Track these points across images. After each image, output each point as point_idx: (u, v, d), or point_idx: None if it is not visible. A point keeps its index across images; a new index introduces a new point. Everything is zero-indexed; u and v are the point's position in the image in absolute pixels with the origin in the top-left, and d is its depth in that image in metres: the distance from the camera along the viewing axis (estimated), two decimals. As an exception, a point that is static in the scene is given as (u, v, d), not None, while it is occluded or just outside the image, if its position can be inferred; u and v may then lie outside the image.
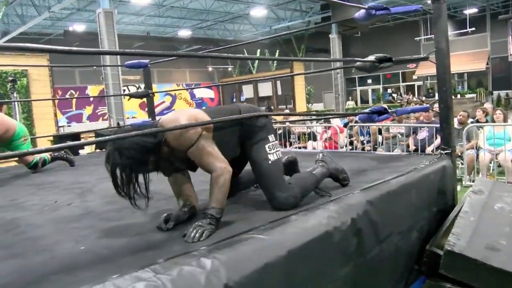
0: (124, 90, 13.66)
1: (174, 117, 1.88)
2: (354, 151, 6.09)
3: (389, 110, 2.67)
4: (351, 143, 7.06)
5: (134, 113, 18.95)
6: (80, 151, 7.36)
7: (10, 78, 8.88)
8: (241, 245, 1.49)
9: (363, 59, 2.81)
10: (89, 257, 1.55)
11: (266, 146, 2.02)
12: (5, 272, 1.46)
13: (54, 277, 1.37)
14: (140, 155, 1.74)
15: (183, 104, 23.59)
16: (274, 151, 2.03)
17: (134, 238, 1.75)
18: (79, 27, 16.57)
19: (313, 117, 7.87)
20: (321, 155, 2.39)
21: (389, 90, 23.25)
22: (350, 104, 21.91)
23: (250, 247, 1.49)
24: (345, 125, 7.75)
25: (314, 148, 6.79)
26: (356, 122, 7.17)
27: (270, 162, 1.99)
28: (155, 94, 5.46)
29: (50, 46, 1.41)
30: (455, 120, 5.85)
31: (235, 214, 1.96)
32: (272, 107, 20.14)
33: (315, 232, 1.67)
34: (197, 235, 1.63)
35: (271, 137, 2.06)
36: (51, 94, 10.35)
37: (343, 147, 6.85)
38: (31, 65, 8.90)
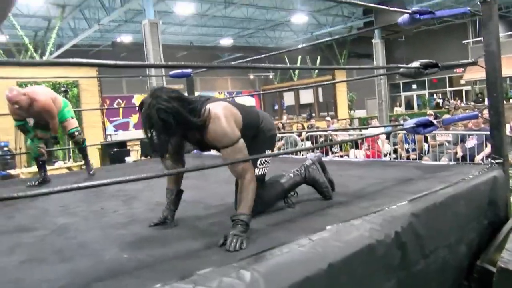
0: (168, 99, 14.01)
1: (219, 115, 1.88)
2: (398, 160, 5.92)
3: (435, 120, 2.57)
4: (395, 151, 6.86)
5: (177, 120, 19.43)
6: (126, 158, 7.61)
7: (63, 89, 9.36)
8: (281, 257, 1.47)
9: (407, 66, 2.74)
10: (133, 264, 1.59)
11: (258, 161, 2.11)
12: (57, 276, 1.53)
13: (101, 283, 1.42)
14: (170, 124, 1.76)
15: (225, 112, 23.87)
16: (262, 167, 2.13)
17: (175, 246, 1.78)
18: (126, 38, 17.24)
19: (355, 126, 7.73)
20: (309, 161, 2.37)
21: (435, 96, 22.46)
22: (398, 110, 21.32)
23: (290, 259, 1.47)
24: (389, 133, 7.56)
25: (356, 157, 6.65)
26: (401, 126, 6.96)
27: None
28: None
29: (99, 61, 1.48)
30: (507, 127, 5.55)
31: (274, 224, 1.95)
32: (314, 114, 19.99)
33: (357, 245, 1.63)
34: (237, 244, 1.66)
35: (267, 152, 2.18)
36: (99, 103, 10.82)
37: (386, 155, 6.67)
38: (82, 77, 9.37)
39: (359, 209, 2.04)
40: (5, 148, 9.06)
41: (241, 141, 1.91)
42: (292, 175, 2.32)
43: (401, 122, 9.17)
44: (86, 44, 18.43)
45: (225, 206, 2.44)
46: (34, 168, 8.02)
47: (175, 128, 1.79)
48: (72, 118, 3.96)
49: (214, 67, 2.06)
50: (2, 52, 13.94)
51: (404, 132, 6.60)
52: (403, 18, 2.93)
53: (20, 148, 9.27)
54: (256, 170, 2.07)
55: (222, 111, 1.92)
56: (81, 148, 4.12)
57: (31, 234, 2.17)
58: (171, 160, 2.14)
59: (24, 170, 8.11)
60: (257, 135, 2.15)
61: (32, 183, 3.75)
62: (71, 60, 1.52)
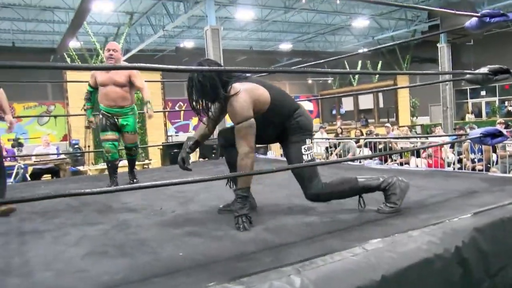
0: (226, 102, 14.30)
1: (238, 95, 2.16)
2: (463, 170, 5.59)
3: (506, 130, 2.40)
4: (459, 160, 6.49)
5: (235, 124, 19.75)
6: (185, 159, 7.85)
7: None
8: (333, 265, 1.45)
9: (474, 72, 2.59)
10: (188, 262, 1.64)
11: (302, 148, 2.34)
12: (117, 269, 1.62)
13: (156, 279, 1.49)
14: (206, 87, 2.17)
15: (282, 116, 23.92)
16: (308, 153, 2.34)
17: (229, 247, 1.82)
18: (188, 43, 17.82)
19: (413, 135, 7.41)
20: (398, 182, 2.27)
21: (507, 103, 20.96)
22: (471, 117, 20.14)
23: (342, 268, 1.45)
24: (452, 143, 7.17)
25: (417, 166, 6.37)
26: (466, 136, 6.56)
27: (304, 162, 2.31)
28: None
29: (162, 66, 1.55)
30: None
31: (330, 231, 1.93)
32: (373, 120, 19.45)
33: (414, 257, 1.57)
34: (244, 225, 2.08)
35: (308, 141, 2.37)
36: (162, 106, 11.28)
37: (450, 165, 6.33)
38: (146, 81, 9.79)
39: (418, 220, 1.96)
40: (76, 146, 9.72)
41: (249, 122, 2.17)
42: (375, 180, 2.33)
43: (467, 130, 8.67)
44: (151, 49, 19.28)
45: (279, 211, 2.45)
46: (101, 166, 8.53)
47: (210, 93, 2.18)
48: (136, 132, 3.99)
49: (272, 71, 2.08)
50: (77, 57, 14.96)
51: (470, 139, 6.24)
52: (471, 21, 2.78)
53: (88, 146, 9.90)
54: (305, 157, 2.33)
55: (242, 92, 2.18)
56: (132, 159, 4.07)
57: (95, 228, 2.31)
58: (211, 125, 2.52)
59: (92, 167, 8.64)
60: (290, 120, 2.34)
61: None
62: (136, 64, 1.61)
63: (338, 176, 2.43)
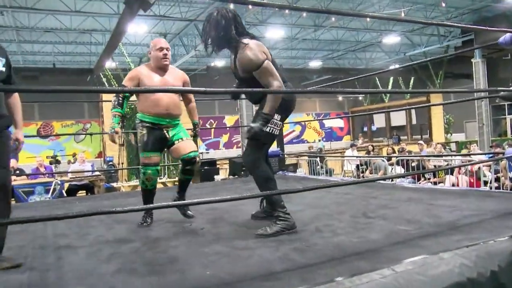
0: (256, 120, 14.39)
1: (249, 46, 2.40)
2: (501, 190, 5.38)
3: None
4: (497, 179, 6.24)
5: (265, 141, 19.78)
6: (215, 176, 7.93)
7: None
8: (360, 287, 1.43)
9: (509, 89, 2.52)
10: (215, 281, 1.66)
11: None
12: (145, 287, 1.65)
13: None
14: (223, 25, 2.43)
15: (312, 133, 23.80)
16: (270, 126, 2.45)
17: (256, 266, 1.82)
18: (219, 62, 18.15)
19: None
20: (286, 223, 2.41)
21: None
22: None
23: (370, 291, 1.42)
24: (491, 158, 6.91)
25: (453, 185, 6.17)
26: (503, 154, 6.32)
27: (263, 131, 2.41)
28: (284, 125, 5.65)
29: (190, 88, 1.60)
30: None
31: (358, 252, 1.90)
32: (406, 137, 19.06)
33: (445, 281, 1.52)
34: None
35: (276, 116, 2.46)
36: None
37: (486, 184, 6.10)
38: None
39: (450, 242, 1.90)
40: (110, 163, 10.00)
41: (266, 62, 2.36)
42: (282, 201, 2.48)
43: (506, 147, 8.35)
44: (184, 68, 19.58)
45: (307, 231, 2.43)
46: (133, 182, 8.72)
47: (223, 32, 2.42)
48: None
49: (301, 92, 2.11)
50: (112, 77, 15.52)
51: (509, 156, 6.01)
52: (505, 37, 2.73)
53: (122, 163, 10.16)
54: (266, 128, 2.44)
55: (253, 42, 2.40)
56: (189, 179, 3.18)
57: (126, 246, 2.37)
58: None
59: (125, 184, 8.85)
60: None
61: (143, 223, 2.94)
62: (168, 88, 1.67)
63: (269, 172, 2.55)
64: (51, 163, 8.20)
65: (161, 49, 2.99)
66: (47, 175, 7.40)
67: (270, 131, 2.48)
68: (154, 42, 3.08)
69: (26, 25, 12.01)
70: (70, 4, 10.58)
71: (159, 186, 4.24)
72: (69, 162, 11.31)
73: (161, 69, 3.01)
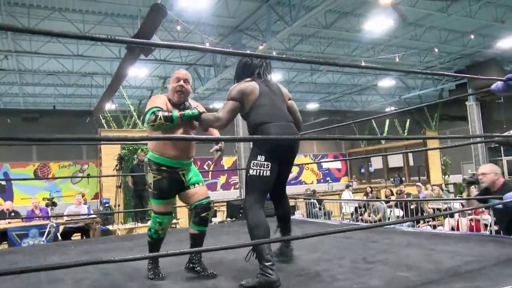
0: (254, 161, 14.41)
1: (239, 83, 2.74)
2: (501, 235, 5.32)
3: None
4: (496, 222, 6.18)
5: (263, 182, 19.71)
6: (213, 219, 7.84)
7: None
8: None
9: (503, 135, 2.57)
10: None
11: (252, 162, 2.52)
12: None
13: None
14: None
15: (310, 175, 23.79)
16: (256, 168, 2.50)
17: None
18: (218, 105, 18.46)
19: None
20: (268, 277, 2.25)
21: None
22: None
23: None
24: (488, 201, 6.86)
25: (452, 228, 6.11)
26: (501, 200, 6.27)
27: (249, 175, 2.53)
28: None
29: (189, 136, 1.62)
30: None
31: (359, 300, 1.86)
32: (404, 179, 19.05)
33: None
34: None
35: (259, 157, 2.50)
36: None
37: (487, 228, 6.03)
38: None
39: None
40: (106, 205, 9.89)
41: (230, 102, 2.62)
42: (269, 253, 2.37)
43: (504, 190, 8.34)
44: (182, 110, 20.04)
45: (305, 275, 2.39)
46: (129, 225, 8.60)
47: (235, 74, 2.95)
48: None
49: (299, 138, 2.14)
50: (111, 119, 15.68)
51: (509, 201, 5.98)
52: (497, 85, 2.80)
53: (118, 205, 10.06)
54: (250, 171, 2.52)
55: (235, 86, 2.71)
56: (204, 231, 2.76)
57: (123, 292, 2.31)
58: None
59: (121, 227, 8.72)
60: (256, 131, 2.57)
61: (155, 277, 2.61)
62: (160, 135, 1.70)
63: (261, 219, 2.47)
64: (47, 205, 8.11)
65: (178, 79, 2.67)
66: (42, 218, 7.31)
67: (256, 173, 2.50)
68: (174, 76, 2.74)
69: (29, 68, 12.27)
70: (73, 49, 10.87)
71: (144, 230, 4.14)
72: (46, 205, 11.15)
73: (177, 106, 2.65)
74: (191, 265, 2.63)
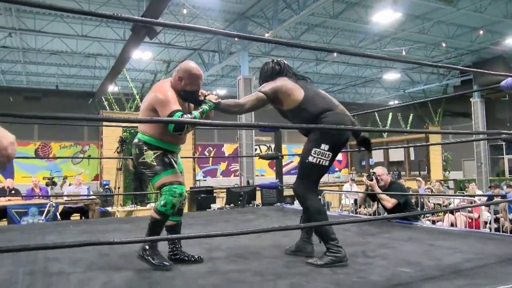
0: (256, 150, 14.43)
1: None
2: (500, 233, 5.32)
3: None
4: (496, 220, 6.18)
5: (263, 171, 19.73)
6: (212, 205, 7.84)
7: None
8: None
9: (510, 132, 2.53)
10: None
11: (313, 149, 2.53)
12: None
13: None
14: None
15: (310, 165, 23.79)
16: (316, 157, 2.51)
17: (253, 305, 1.76)
18: (221, 91, 18.38)
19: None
20: (341, 254, 2.41)
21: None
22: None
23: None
24: (490, 198, 6.87)
25: (452, 225, 6.10)
26: (503, 197, 6.29)
27: (307, 161, 2.53)
28: (283, 156, 5.65)
29: (194, 120, 1.59)
30: None
31: (358, 293, 1.84)
32: (404, 173, 19.03)
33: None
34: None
35: (323, 146, 2.51)
36: (192, 150, 11.48)
37: (486, 225, 6.03)
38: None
39: (453, 286, 1.86)
40: (106, 187, 9.91)
41: (260, 95, 2.65)
42: (334, 233, 2.48)
43: (504, 188, 8.33)
44: (185, 96, 19.98)
45: (307, 267, 2.38)
46: (129, 208, 8.62)
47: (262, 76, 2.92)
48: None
49: (302, 127, 2.10)
50: (114, 101, 15.62)
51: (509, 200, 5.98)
52: (508, 81, 2.75)
53: (118, 188, 10.08)
54: (310, 158, 2.53)
55: (271, 82, 2.75)
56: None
57: (120, 274, 2.31)
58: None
59: (120, 209, 8.75)
60: (316, 121, 2.58)
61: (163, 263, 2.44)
62: (163, 118, 1.67)
63: (321, 205, 2.59)
64: (47, 184, 8.11)
65: (198, 84, 2.60)
66: (42, 196, 7.31)
67: (316, 161, 2.51)
68: (182, 69, 2.61)
69: (32, 47, 12.18)
70: (77, 29, 10.78)
71: (143, 213, 4.13)
72: (61, 183, 11.19)
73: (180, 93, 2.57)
74: (174, 256, 2.56)
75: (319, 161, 2.52)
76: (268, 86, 2.67)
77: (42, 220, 6.47)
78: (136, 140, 2.60)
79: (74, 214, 7.79)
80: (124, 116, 11.61)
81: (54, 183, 8.41)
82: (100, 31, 11.25)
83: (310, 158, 2.53)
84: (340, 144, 2.61)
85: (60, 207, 7.56)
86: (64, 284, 2.14)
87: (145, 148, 2.55)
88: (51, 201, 6.96)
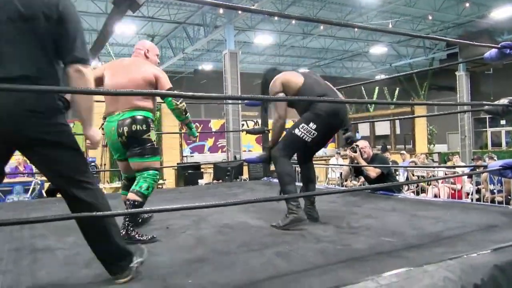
0: (243, 125, 14.39)
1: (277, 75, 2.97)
2: (482, 203, 5.45)
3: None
4: (478, 191, 6.34)
5: (251, 146, 19.73)
6: (199, 181, 7.86)
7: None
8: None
9: (493, 103, 2.55)
10: (197, 289, 1.62)
11: (301, 124, 2.75)
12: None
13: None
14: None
15: (297, 140, 23.86)
16: (302, 131, 2.73)
17: (239, 274, 1.79)
18: (207, 66, 18.14)
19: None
20: (298, 213, 2.64)
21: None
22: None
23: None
24: (472, 170, 7.00)
25: (435, 195, 6.25)
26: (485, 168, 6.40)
27: (293, 132, 2.78)
28: (270, 131, 5.64)
29: (178, 92, 1.57)
30: None
31: (342, 260, 1.88)
32: (389, 147, 19.26)
33: (429, 294, 1.51)
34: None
35: (311, 124, 2.72)
36: (179, 126, 11.40)
37: (468, 196, 6.18)
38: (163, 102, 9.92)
39: (434, 254, 1.90)
40: (92, 164, 9.83)
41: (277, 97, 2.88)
42: (296, 194, 2.73)
43: (486, 160, 8.49)
44: (171, 71, 19.65)
45: (291, 235, 2.42)
46: (116, 184, 8.59)
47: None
48: None
49: (288, 99, 2.09)
50: (97, 77, 15.32)
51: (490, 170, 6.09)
52: (491, 53, 2.76)
53: (104, 165, 10.00)
54: (296, 130, 2.76)
55: (275, 78, 2.95)
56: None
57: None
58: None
59: (107, 186, 8.72)
60: (308, 109, 2.78)
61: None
62: (154, 91, 1.64)
63: (290, 168, 2.80)
64: (31, 162, 8.01)
65: (158, 56, 2.97)
66: (26, 174, 7.23)
67: (300, 134, 2.74)
68: (152, 45, 2.93)
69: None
70: (57, 2, 10.43)
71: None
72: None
73: None
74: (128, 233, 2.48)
75: (303, 135, 2.73)
76: (273, 84, 2.91)
77: (27, 198, 6.42)
78: (140, 116, 2.57)
79: (60, 192, 7.74)
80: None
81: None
82: (81, 5, 10.91)
83: (296, 131, 2.75)
84: (329, 129, 2.82)
85: (46, 185, 7.50)
86: (51, 260, 2.14)
87: (152, 126, 2.62)
88: (36, 179, 6.89)
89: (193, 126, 2.98)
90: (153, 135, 2.61)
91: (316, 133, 2.73)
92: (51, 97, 1.63)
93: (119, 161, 2.78)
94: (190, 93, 1.47)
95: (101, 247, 1.72)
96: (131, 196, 2.52)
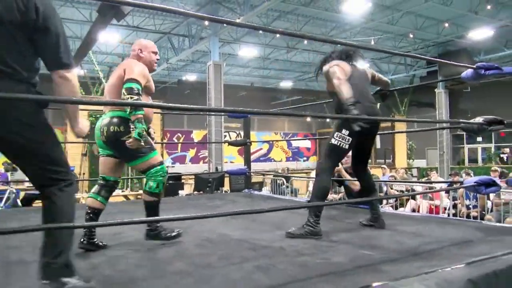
0: (225, 136, 14.39)
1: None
2: (458, 217, 5.57)
3: (500, 179, 2.42)
4: (454, 206, 6.46)
5: (233, 158, 19.72)
6: (180, 192, 7.80)
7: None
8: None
9: (469, 121, 2.63)
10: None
11: (336, 133, 2.83)
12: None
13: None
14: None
15: (280, 152, 23.99)
16: (338, 140, 2.82)
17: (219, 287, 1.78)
18: (191, 77, 18.12)
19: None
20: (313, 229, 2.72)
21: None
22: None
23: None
24: (449, 186, 7.15)
25: (413, 210, 6.34)
26: (461, 184, 6.54)
27: (330, 143, 2.86)
28: (252, 143, 5.66)
29: (163, 104, 1.57)
30: None
31: (321, 274, 1.90)
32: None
33: (405, 308, 1.54)
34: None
35: (344, 131, 2.80)
36: (161, 136, 11.33)
37: (445, 211, 6.30)
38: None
39: (411, 268, 1.93)
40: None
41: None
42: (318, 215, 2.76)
43: (463, 176, 8.68)
44: (155, 81, 19.19)
45: (271, 249, 2.42)
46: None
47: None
48: None
49: (270, 113, 2.12)
50: (79, 85, 15.14)
51: (465, 186, 6.23)
52: (467, 72, 2.86)
53: (83, 174, 9.85)
54: (332, 140, 2.85)
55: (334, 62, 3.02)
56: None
57: (84, 262, 2.27)
58: None
59: (85, 195, 8.56)
60: (342, 108, 2.77)
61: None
62: (133, 101, 1.64)
63: (328, 185, 2.89)
64: (7, 170, 7.82)
65: (156, 53, 2.90)
66: (1, 183, 7.06)
67: (337, 143, 2.82)
68: (147, 43, 2.87)
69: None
70: (40, 8, 10.32)
71: (120, 199, 4.09)
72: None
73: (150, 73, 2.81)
74: (89, 241, 2.51)
75: (340, 143, 2.82)
76: (333, 65, 2.94)
77: (2, 207, 6.26)
78: (116, 119, 2.52)
79: (37, 201, 7.56)
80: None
81: (14, 169, 8.10)
82: (65, 12, 10.82)
83: (333, 141, 2.85)
84: (361, 133, 2.80)
85: (22, 194, 7.33)
86: (24, 273, 2.09)
87: (131, 126, 2.46)
88: (11, 187, 6.73)
89: (140, 126, 2.41)
90: (136, 134, 2.40)
91: (350, 138, 2.81)
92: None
93: (101, 156, 2.75)
94: (176, 105, 1.48)
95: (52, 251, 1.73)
96: (144, 197, 2.65)
